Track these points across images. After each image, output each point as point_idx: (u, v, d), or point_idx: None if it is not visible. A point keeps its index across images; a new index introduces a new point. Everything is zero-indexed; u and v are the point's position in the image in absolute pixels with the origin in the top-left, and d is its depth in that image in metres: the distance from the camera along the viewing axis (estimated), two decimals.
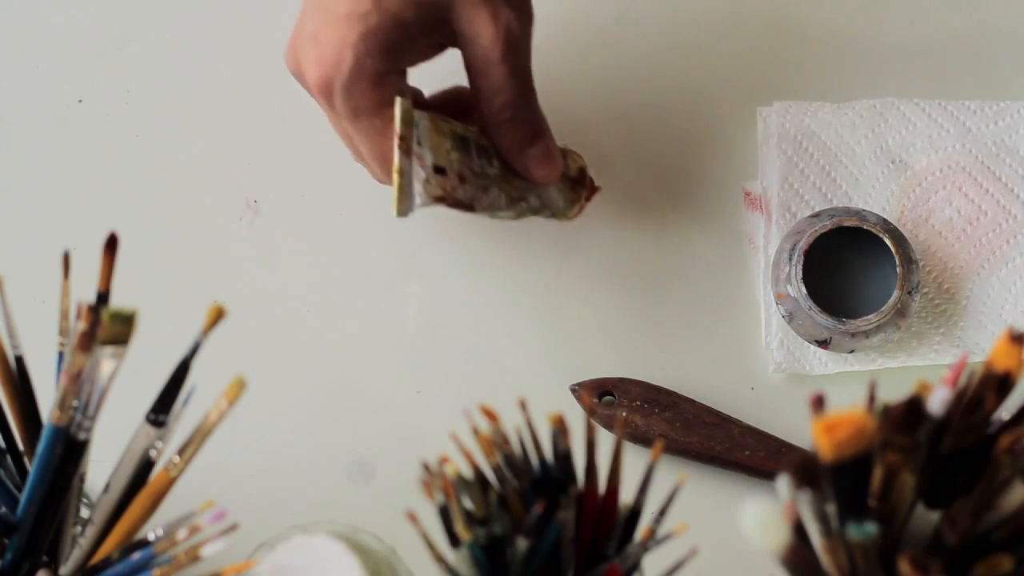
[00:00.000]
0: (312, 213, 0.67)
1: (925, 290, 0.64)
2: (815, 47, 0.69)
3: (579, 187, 0.61)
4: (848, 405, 0.37)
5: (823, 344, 0.62)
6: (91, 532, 0.45)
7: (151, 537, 0.43)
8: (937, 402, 0.39)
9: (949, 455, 0.40)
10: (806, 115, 0.66)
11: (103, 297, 0.44)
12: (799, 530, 0.39)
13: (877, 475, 0.39)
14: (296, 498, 0.62)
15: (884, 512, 0.39)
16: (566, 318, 0.65)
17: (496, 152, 0.57)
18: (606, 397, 0.63)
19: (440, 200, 0.54)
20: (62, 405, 0.42)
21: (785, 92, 0.67)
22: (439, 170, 0.53)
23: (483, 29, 0.52)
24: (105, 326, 0.40)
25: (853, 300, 0.63)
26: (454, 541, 0.44)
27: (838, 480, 0.38)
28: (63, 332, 0.46)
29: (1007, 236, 0.65)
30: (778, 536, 0.38)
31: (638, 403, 0.62)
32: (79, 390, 0.42)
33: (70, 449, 0.43)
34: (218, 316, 0.43)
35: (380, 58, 0.52)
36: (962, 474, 0.40)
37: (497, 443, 0.44)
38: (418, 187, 0.53)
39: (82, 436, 0.43)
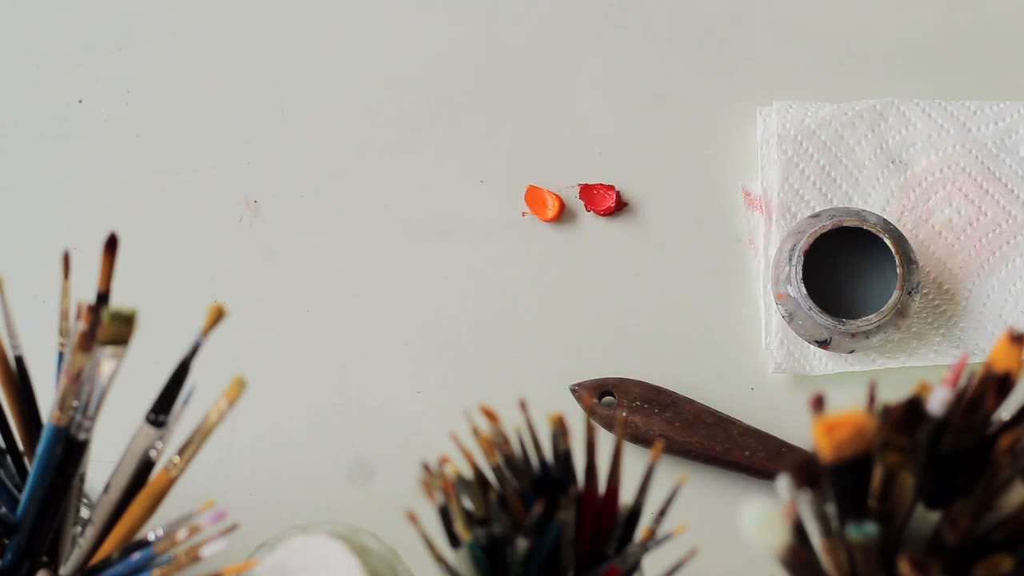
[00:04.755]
0: (312, 213, 0.67)
1: (925, 290, 0.64)
2: (815, 47, 0.69)
3: None
4: (848, 405, 0.37)
5: (823, 344, 0.62)
6: (91, 532, 0.45)
7: (151, 537, 0.43)
8: (937, 402, 0.39)
9: (949, 455, 0.40)
10: (806, 115, 0.66)
11: (103, 297, 0.44)
12: (799, 530, 0.39)
13: (877, 475, 0.39)
14: (296, 498, 0.62)
15: (884, 512, 0.39)
16: (566, 318, 0.65)
17: None
18: (606, 397, 0.63)
19: None
20: (62, 405, 0.42)
21: (785, 92, 0.67)
22: None
23: None
24: (105, 326, 0.40)
25: (853, 300, 0.63)
26: (454, 541, 0.44)
27: (838, 480, 0.38)
28: (63, 332, 0.45)
29: (1007, 237, 0.65)
30: (778, 536, 0.38)
31: (638, 403, 0.62)
32: (79, 390, 0.42)
33: (70, 449, 0.43)
34: (218, 316, 0.43)
35: None
36: (962, 474, 0.40)
37: (497, 443, 0.44)
38: None
39: (82, 436, 0.43)
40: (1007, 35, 0.69)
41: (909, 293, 0.61)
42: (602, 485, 0.45)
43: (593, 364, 0.64)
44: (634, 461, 0.49)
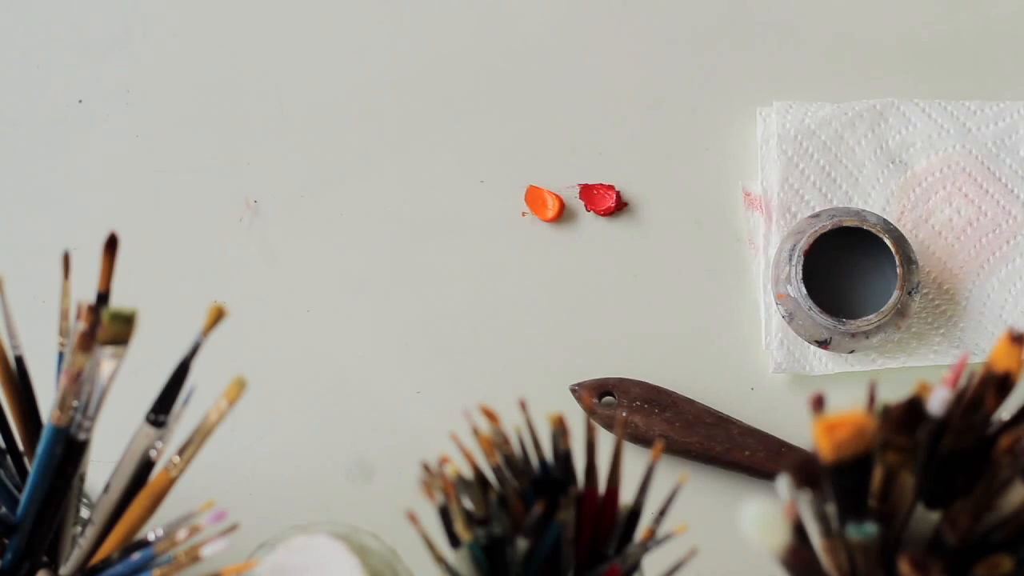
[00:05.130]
0: (312, 213, 0.67)
1: (925, 290, 0.64)
2: (815, 47, 0.69)
3: None
4: (848, 405, 0.37)
5: (823, 344, 0.62)
6: (91, 532, 0.45)
7: (151, 537, 0.43)
8: (937, 402, 0.39)
9: (949, 455, 0.40)
10: (806, 115, 0.66)
11: (103, 297, 0.44)
12: (799, 530, 0.39)
13: (877, 475, 0.39)
14: (296, 498, 0.62)
15: (884, 512, 0.39)
16: (566, 318, 0.65)
17: None
18: (606, 397, 0.63)
19: None
20: (62, 405, 0.42)
21: (785, 92, 0.67)
22: None
23: None
24: (105, 326, 0.40)
25: (853, 300, 0.63)
26: (454, 541, 0.44)
27: (838, 480, 0.38)
28: (63, 332, 0.45)
29: (1007, 237, 0.65)
30: (778, 536, 0.38)
31: (638, 403, 0.62)
32: (79, 390, 0.42)
33: (70, 449, 0.43)
34: (218, 316, 0.43)
35: None
36: (962, 474, 0.40)
37: (497, 443, 0.44)
38: None
39: (82, 436, 0.43)
40: (1007, 35, 0.69)
41: (909, 293, 0.61)
42: (602, 485, 0.45)
43: (593, 364, 0.64)
44: (634, 461, 0.49)
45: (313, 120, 0.68)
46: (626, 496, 0.45)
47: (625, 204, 0.66)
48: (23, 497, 0.44)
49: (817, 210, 0.65)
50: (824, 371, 0.64)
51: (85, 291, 0.44)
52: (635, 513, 0.45)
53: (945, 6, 0.69)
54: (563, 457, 0.45)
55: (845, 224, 0.61)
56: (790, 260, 0.62)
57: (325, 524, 0.48)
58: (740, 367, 0.64)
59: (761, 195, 0.66)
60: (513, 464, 0.44)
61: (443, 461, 0.43)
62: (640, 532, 0.45)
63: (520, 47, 0.69)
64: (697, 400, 0.63)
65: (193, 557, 0.41)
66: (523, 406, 0.45)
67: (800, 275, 0.61)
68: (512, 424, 0.45)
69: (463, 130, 0.68)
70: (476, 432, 0.44)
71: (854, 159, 0.66)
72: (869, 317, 0.61)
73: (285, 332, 0.65)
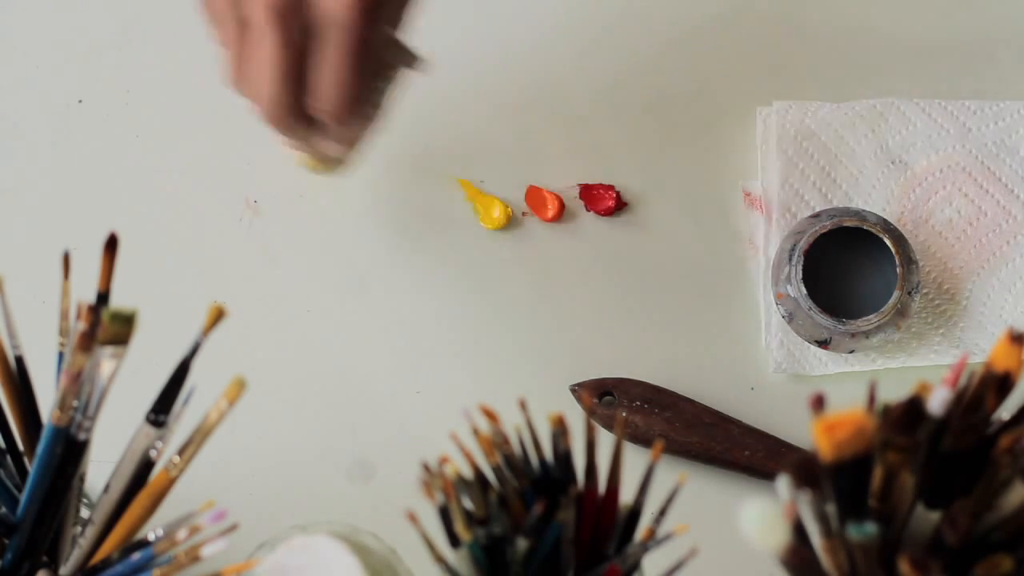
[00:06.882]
0: (312, 213, 0.67)
1: (925, 290, 0.64)
2: (815, 47, 0.69)
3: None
4: (848, 405, 0.37)
5: (823, 344, 0.62)
6: (91, 532, 0.45)
7: (151, 537, 0.43)
8: (937, 402, 0.39)
9: (949, 455, 0.40)
10: (806, 115, 0.66)
11: (103, 297, 0.44)
12: (799, 530, 0.39)
13: (877, 475, 0.39)
14: (296, 498, 0.62)
15: (884, 512, 0.39)
16: (566, 318, 0.65)
17: None
18: (606, 397, 0.63)
19: None
20: (62, 405, 0.42)
21: (785, 92, 0.67)
22: None
23: None
24: (105, 326, 0.40)
25: (853, 300, 0.63)
26: (454, 541, 0.44)
27: (838, 480, 0.38)
28: (63, 332, 0.45)
29: (1007, 237, 0.65)
30: (778, 536, 0.38)
31: (638, 403, 0.62)
32: (79, 390, 0.42)
33: (70, 449, 0.43)
34: (218, 316, 0.43)
35: None
36: (962, 474, 0.40)
37: (497, 443, 0.44)
38: None
39: (82, 436, 0.43)
40: (1007, 35, 0.69)
41: (909, 293, 0.61)
42: (602, 485, 0.45)
43: (593, 364, 0.64)
44: (634, 461, 0.49)
45: None
46: (626, 496, 0.45)
47: (625, 204, 0.66)
48: (23, 497, 0.44)
49: (817, 210, 0.65)
50: (824, 371, 0.64)
51: (85, 291, 0.44)
52: (635, 513, 0.45)
53: (944, 6, 0.69)
54: (563, 457, 0.45)
55: (845, 224, 0.61)
56: (790, 260, 0.62)
57: (325, 524, 0.48)
58: (740, 367, 0.64)
59: (761, 195, 0.66)
60: (513, 464, 0.44)
61: (443, 461, 0.43)
62: (640, 532, 0.45)
63: (520, 46, 0.69)
64: (697, 400, 0.63)
65: (193, 557, 0.41)
66: (523, 406, 0.45)
67: (800, 275, 0.61)
68: (512, 424, 0.45)
69: (462, 130, 0.68)
70: (476, 432, 0.44)
71: (854, 159, 0.66)
72: (869, 317, 0.61)
73: (285, 332, 0.65)
